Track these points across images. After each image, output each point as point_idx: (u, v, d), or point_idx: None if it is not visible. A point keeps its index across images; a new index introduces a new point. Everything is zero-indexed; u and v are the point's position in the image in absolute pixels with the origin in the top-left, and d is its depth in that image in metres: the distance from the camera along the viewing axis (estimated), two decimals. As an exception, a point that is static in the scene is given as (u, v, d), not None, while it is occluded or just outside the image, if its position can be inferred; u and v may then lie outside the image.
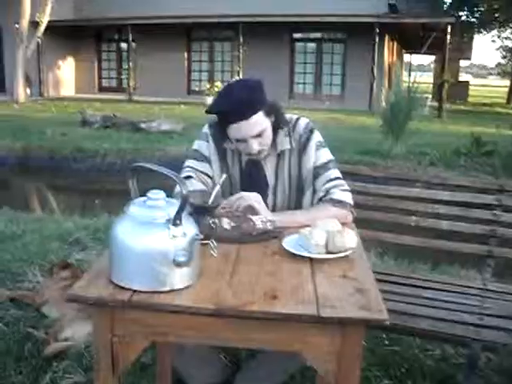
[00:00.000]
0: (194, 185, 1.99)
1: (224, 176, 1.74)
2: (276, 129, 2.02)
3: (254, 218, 1.76)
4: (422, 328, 2.11)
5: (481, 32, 26.49)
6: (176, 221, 1.31)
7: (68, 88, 20.80)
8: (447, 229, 2.56)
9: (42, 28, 16.99)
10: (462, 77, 35.54)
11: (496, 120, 14.11)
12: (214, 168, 2.08)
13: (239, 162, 2.09)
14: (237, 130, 1.91)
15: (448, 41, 16.32)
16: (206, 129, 2.13)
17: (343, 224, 1.80)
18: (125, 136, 10.22)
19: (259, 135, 1.93)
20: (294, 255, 1.61)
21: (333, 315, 1.26)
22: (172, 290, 1.33)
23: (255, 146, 1.94)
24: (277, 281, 1.44)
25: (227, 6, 17.30)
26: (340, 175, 2.05)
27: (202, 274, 1.44)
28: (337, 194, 1.98)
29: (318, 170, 2.03)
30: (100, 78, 21.30)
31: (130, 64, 18.74)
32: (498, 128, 11.22)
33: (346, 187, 2.03)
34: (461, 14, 21.62)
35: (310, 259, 1.59)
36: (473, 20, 23.11)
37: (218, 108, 1.93)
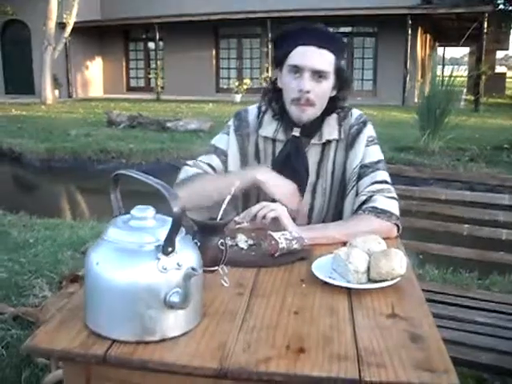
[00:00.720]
0: (188, 171, 1.74)
1: (237, 183, 1.41)
2: (329, 111, 1.75)
3: (275, 234, 1.42)
4: (484, 363, 1.74)
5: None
6: (167, 248, 0.98)
7: (96, 88, 20.76)
8: (507, 238, 2.17)
9: (69, 29, 16.91)
10: (497, 69, 34.38)
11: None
12: (230, 161, 1.79)
13: (273, 153, 1.79)
14: (301, 53, 1.65)
15: (485, 31, 15.63)
16: (230, 121, 1.87)
17: (386, 239, 1.45)
18: (151, 136, 9.98)
19: (318, 76, 1.66)
20: (326, 283, 1.27)
21: (381, 379, 0.91)
22: (163, 340, 1.00)
23: (308, 84, 1.65)
24: (304, 323, 1.09)
25: (255, 1, 16.95)
26: (388, 179, 1.72)
27: (206, 313, 1.11)
28: (381, 202, 1.63)
29: (365, 170, 1.71)
30: (128, 77, 21.19)
31: (158, 63, 18.57)
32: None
33: (393, 194, 1.68)
34: (498, 1, 20.73)
35: (348, 290, 1.24)
36: (511, 8, 22.17)
37: (296, 27, 1.69)
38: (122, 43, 20.70)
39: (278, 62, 1.72)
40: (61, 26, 16.82)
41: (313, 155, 1.76)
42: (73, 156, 8.73)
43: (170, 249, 0.98)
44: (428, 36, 21.43)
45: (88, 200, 7.33)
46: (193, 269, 0.95)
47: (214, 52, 19.49)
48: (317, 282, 1.28)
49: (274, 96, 1.76)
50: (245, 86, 16.95)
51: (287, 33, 1.70)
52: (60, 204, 7.25)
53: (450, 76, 8.93)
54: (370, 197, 1.65)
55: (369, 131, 1.76)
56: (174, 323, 1.01)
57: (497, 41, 24.26)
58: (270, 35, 16.76)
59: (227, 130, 1.84)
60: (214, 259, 1.24)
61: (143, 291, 0.97)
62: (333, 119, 1.76)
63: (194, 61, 18.95)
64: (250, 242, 1.50)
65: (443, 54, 27.28)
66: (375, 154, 1.74)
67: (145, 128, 10.80)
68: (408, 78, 15.84)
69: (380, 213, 1.61)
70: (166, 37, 18.90)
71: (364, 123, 1.77)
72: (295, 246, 1.42)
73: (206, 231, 1.24)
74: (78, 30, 17.43)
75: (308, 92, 1.65)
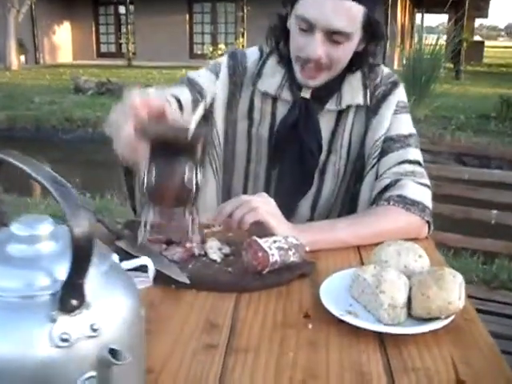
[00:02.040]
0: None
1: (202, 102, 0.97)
2: (352, 69, 1.28)
3: (264, 242, 0.97)
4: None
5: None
6: (69, 299, 0.52)
7: (65, 54, 19.82)
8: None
9: (34, -10, 15.98)
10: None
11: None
12: (217, 112, 1.34)
13: (272, 114, 1.32)
14: (315, 3, 1.15)
15: (467, -4, 15.18)
16: (221, 59, 1.38)
17: (413, 240, 1.03)
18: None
19: (336, 37, 1.16)
20: (343, 322, 0.83)
21: None
22: None
23: (320, 48, 1.17)
24: (318, 406, 0.66)
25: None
26: (421, 159, 1.28)
27: (154, 392, 0.67)
28: (412, 189, 1.20)
29: (391, 144, 1.26)
30: (98, 43, 20.28)
31: (129, 27, 17.74)
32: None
33: (427, 181, 1.25)
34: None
35: (379, 335, 0.80)
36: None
37: None
38: (90, 7, 19.71)
39: (287, 1, 1.23)
40: (25, -14, 15.86)
41: (325, 124, 1.30)
42: (36, 124, 8.12)
43: (73, 301, 0.52)
44: (407, 1, 20.89)
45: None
46: (113, 353, 0.49)
47: (187, 16, 18.68)
48: (329, 319, 0.84)
49: (282, 35, 1.27)
50: (219, 52, 16.27)
51: None
52: (14, 180, 6.66)
53: (436, 44, 8.68)
54: (397, 181, 1.21)
55: (400, 95, 1.31)
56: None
57: (476, 8, 23.80)
58: (245, -1, 16.08)
59: (216, 69, 1.35)
60: (179, 196, 0.82)
61: (27, 380, 0.52)
62: (356, 79, 1.30)
63: (167, 25, 18.13)
64: (226, 250, 1.04)
65: (422, 21, 26.78)
66: (406, 125, 1.29)
67: (113, 95, 10.17)
68: (388, 45, 15.34)
69: (410, 204, 1.17)
70: (136, 0, 18.03)
71: (394, 84, 1.32)
72: (293, 258, 0.98)
73: (167, 150, 0.83)
74: (43, -9, 16.48)
75: (319, 58, 1.18)
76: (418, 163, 1.26)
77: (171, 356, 0.74)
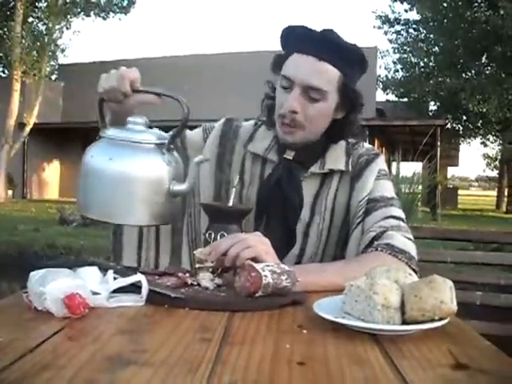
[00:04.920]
0: None
1: (237, 178, 1.06)
2: (335, 138, 1.38)
3: (257, 265, 0.98)
4: None
5: (465, 139, 26.83)
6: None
7: (52, 191, 20.23)
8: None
9: (28, 129, 16.67)
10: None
11: (492, 223, 13.57)
12: (202, 182, 1.41)
13: (260, 176, 1.39)
14: (295, 63, 1.29)
15: (438, 143, 16.16)
16: (218, 122, 1.48)
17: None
18: (104, 234, 9.43)
19: (312, 94, 1.26)
20: (339, 330, 0.82)
21: None
22: None
23: (295, 102, 1.26)
24: (319, 377, 0.65)
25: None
26: (404, 217, 1.32)
27: (147, 363, 0.65)
28: (398, 239, 1.23)
29: (375, 204, 1.32)
30: (85, 181, 20.82)
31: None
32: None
33: (411, 236, 1.29)
34: (446, 121, 21.80)
35: (374, 336, 0.80)
36: (458, 127, 23.32)
37: (299, 27, 1.33)
38: (80, 147, 20.44)
39: (276, 68, 1.36)
40: (21, 125, 16.57)
41: (309, 187, 1.36)
42: (19, 250, 8.09)
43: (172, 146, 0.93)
44: (384, 150, 22.10)
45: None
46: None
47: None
48: (324, 329, 0.83)
49: (273, 104, 1.37)
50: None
51: (289, 32, 1.35)
52: None
53: (411, 193, 9.22)
54: (383, 232, 1.25)
55: (381, 163, 1.40)
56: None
57: (447, 157, 25.23)
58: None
59: (208, 129, 1.45)
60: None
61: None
62: (340, 148, 1.39)
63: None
64: (219, 281, 1.05)
65: (397, 171, 28.14)
66: (389, 189, 1.36)
67: (98, 227, 10.25)
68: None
69: (398, 252, 1.20)
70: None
71: (376, 154, 1.41)
72: (285, 283, 0.98)
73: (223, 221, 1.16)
74: (37, 130, 17.20)
75: (294, 112, 1.28)
76: (402, 220, 1.31)
77: (164, 344, 0.73)
